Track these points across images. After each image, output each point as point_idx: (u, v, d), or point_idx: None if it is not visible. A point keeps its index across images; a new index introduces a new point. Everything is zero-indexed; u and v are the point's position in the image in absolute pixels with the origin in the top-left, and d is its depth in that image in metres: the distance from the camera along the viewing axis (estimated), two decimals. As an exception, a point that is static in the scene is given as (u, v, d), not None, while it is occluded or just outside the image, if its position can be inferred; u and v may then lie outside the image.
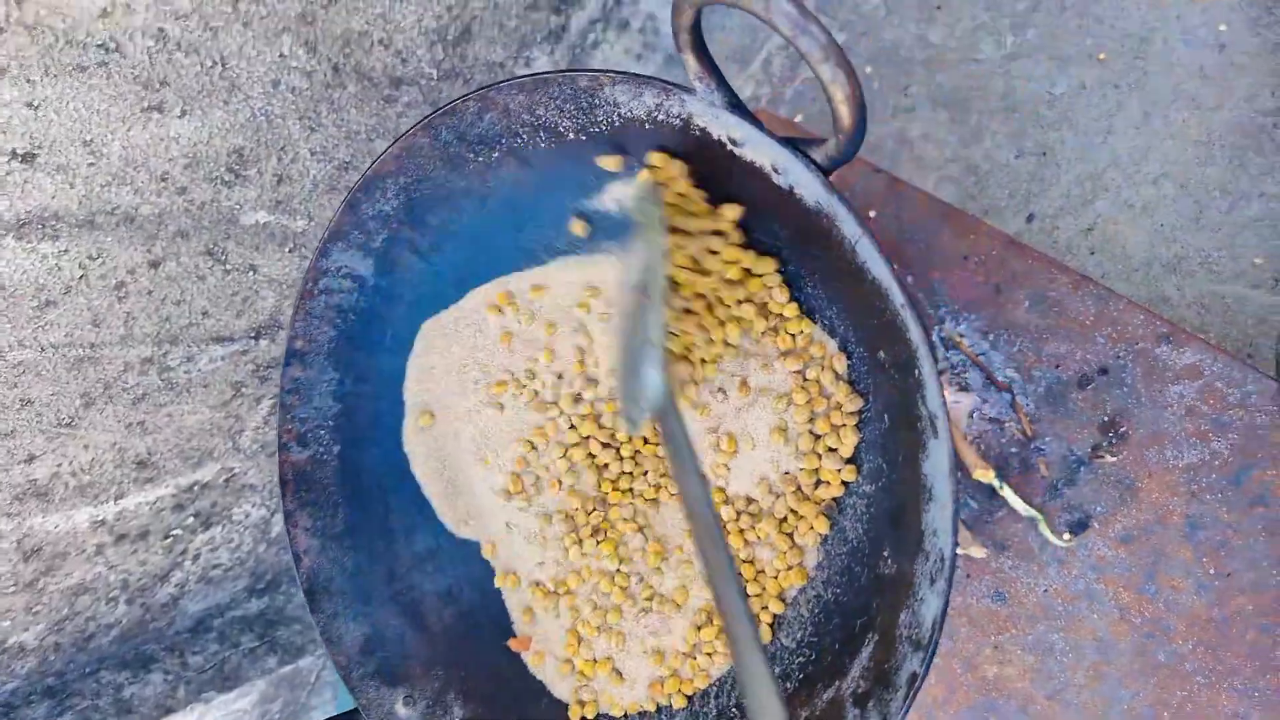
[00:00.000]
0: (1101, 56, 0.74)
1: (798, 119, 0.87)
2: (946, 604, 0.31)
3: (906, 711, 0.32)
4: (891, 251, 0.64)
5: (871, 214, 0.65)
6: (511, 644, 0.49)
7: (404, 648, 0.48)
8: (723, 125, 0.35)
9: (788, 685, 0.41)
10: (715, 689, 0.45)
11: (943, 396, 0.31)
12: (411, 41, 0.68)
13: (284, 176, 0.65)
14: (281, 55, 0.59)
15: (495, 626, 0.50)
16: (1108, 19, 0.73)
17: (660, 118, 0.38)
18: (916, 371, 0.32)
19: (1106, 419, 0.58)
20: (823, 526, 0.44)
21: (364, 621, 0.47)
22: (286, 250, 0.69)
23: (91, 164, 0.53)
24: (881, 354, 0.37)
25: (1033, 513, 0.58)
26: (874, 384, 0.40)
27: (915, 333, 0.31)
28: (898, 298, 0.31)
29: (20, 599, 0.68)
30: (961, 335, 0.61)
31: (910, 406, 0.34)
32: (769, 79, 0.87)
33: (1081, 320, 0.58)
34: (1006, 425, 0.61)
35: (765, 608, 0.44)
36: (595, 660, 0.48)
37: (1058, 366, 0.59)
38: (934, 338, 0.62)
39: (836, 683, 0.38)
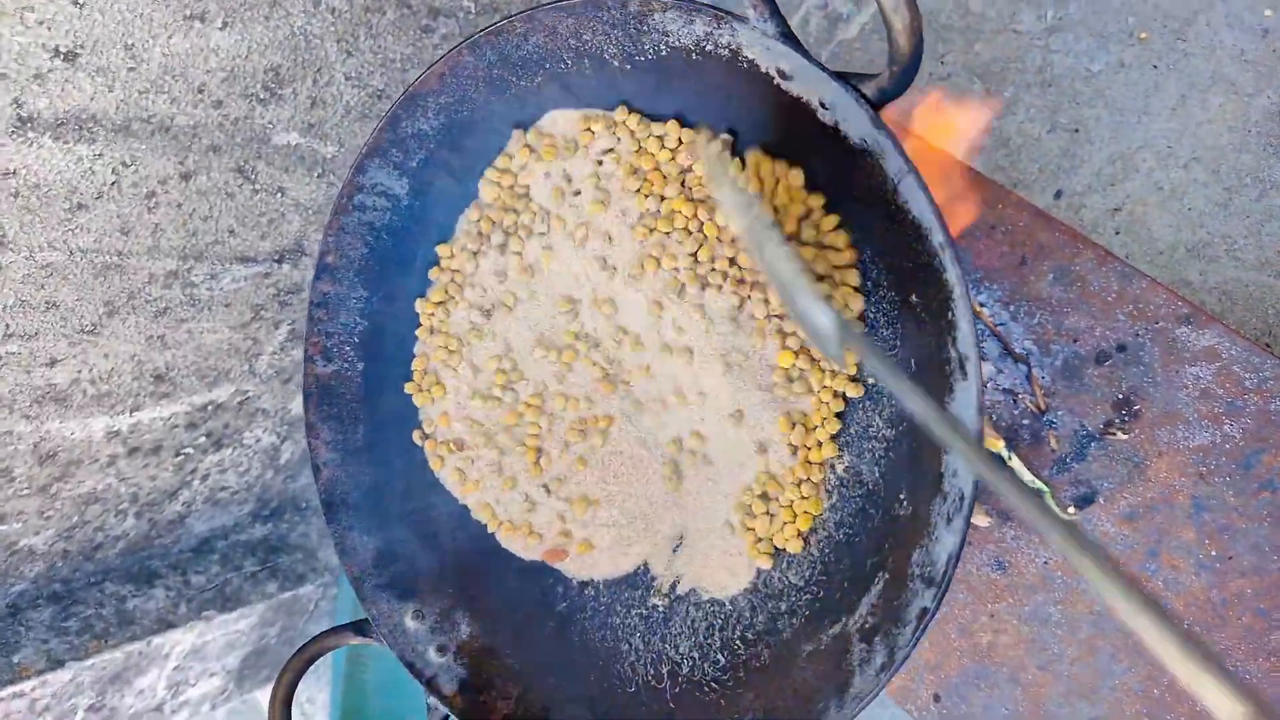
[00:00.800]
0: (1143, 36, 0.73)
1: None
2: (963, 541, 0.32)
3: (914, 645, 0.33)
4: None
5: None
6: (542, 555, 0.50)
7: (415, 565, 0.48)
8: (773, 56, 0.35)
9: (794, 621, 0.42)
10: None
11: (975, 338, 0.31)
12: (452, -29, 0.67)
13: (317, 100, 0.64)
14: (324, -28, 0.58)
15: (505, 552, 0.51)
16: (1152, -2, 0.72)
17: (709, 48, 0.37)
18: (950, 313, 0.32)
19: (1120, 396, 0.58)
20: (856, 391, 0.43)
21: (378, 536, 0.48)
22: (315, 175, 0.69)
23: (131, 69, 0.52)
24: (914, 297, 0.37)
25: (1039, 485, 0.58)
26: (902, 329, 0.40)
27: (953, 273, 0.31)
28: (938, 237, 0.31)
29: (33, 502, 0.68)
30: (982, 305, 0.61)
31: (940, 349, 0.34)
32: (806, 39, 0.87)
33: (1104, 297, 0.58)
34: (1020, 397, 0.61)
35: (792, 522, 0.44)
36: None
37: (1076, 341, 0.59)
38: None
39: (844, 619, 0.39)
